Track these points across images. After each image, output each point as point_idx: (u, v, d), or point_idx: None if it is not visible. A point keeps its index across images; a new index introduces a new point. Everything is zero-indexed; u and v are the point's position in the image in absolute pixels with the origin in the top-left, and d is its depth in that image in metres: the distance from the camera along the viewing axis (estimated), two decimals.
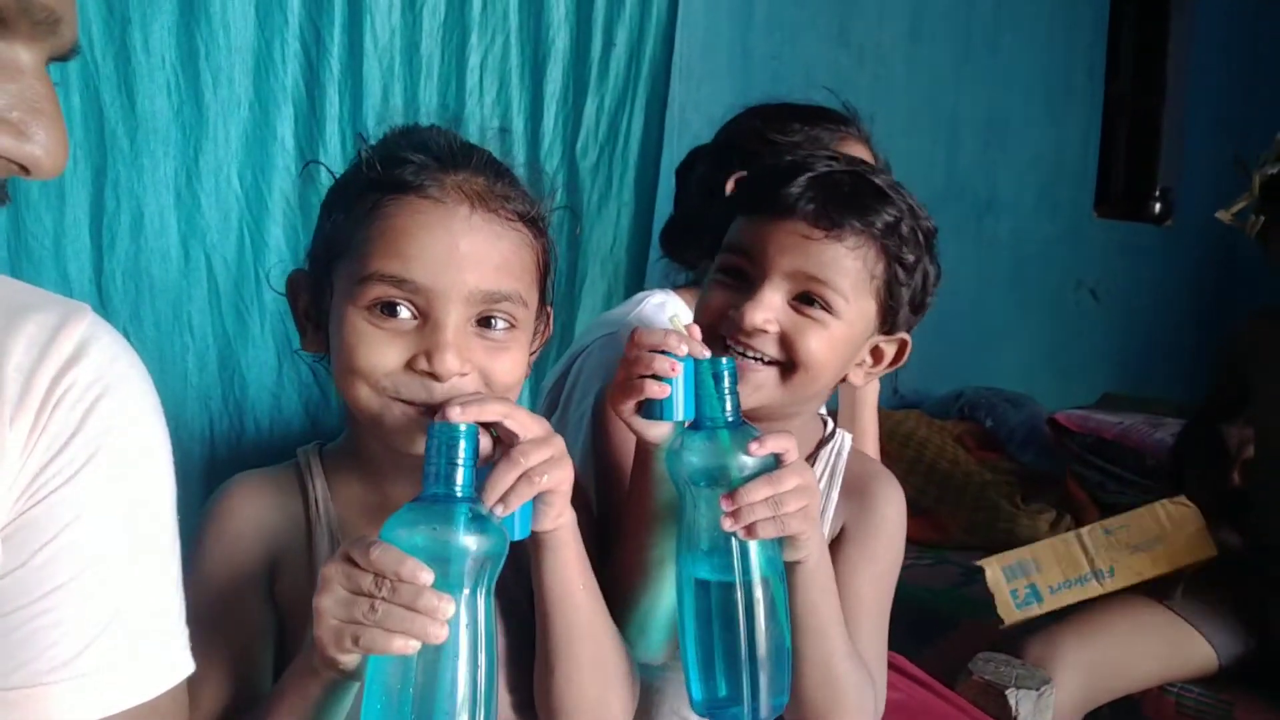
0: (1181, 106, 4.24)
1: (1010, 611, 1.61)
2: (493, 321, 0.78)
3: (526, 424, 0.73)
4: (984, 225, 3.29)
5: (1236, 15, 4.35)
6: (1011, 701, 1.31)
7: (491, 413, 0.71)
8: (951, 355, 2.95)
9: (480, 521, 0.68)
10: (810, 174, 0.88)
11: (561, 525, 0.77)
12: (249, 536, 0.83)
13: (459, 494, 0.68)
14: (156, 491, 0.64)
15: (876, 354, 0.97)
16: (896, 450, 2.38)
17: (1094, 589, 1.61)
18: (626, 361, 0.81)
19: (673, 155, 1.91)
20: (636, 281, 1.81)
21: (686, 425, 0.81)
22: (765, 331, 0.87)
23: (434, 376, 0.75)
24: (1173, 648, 1.61)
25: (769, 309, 0.87)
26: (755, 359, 0.89)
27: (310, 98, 1.36)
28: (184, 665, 0.64)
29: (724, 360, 0.79)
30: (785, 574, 0.82)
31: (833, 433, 1.03)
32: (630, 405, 0.81)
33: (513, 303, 0.79)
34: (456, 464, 0.68)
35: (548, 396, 1.29)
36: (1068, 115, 3.65)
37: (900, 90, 2.91)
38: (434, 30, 1.52)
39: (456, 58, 1.56)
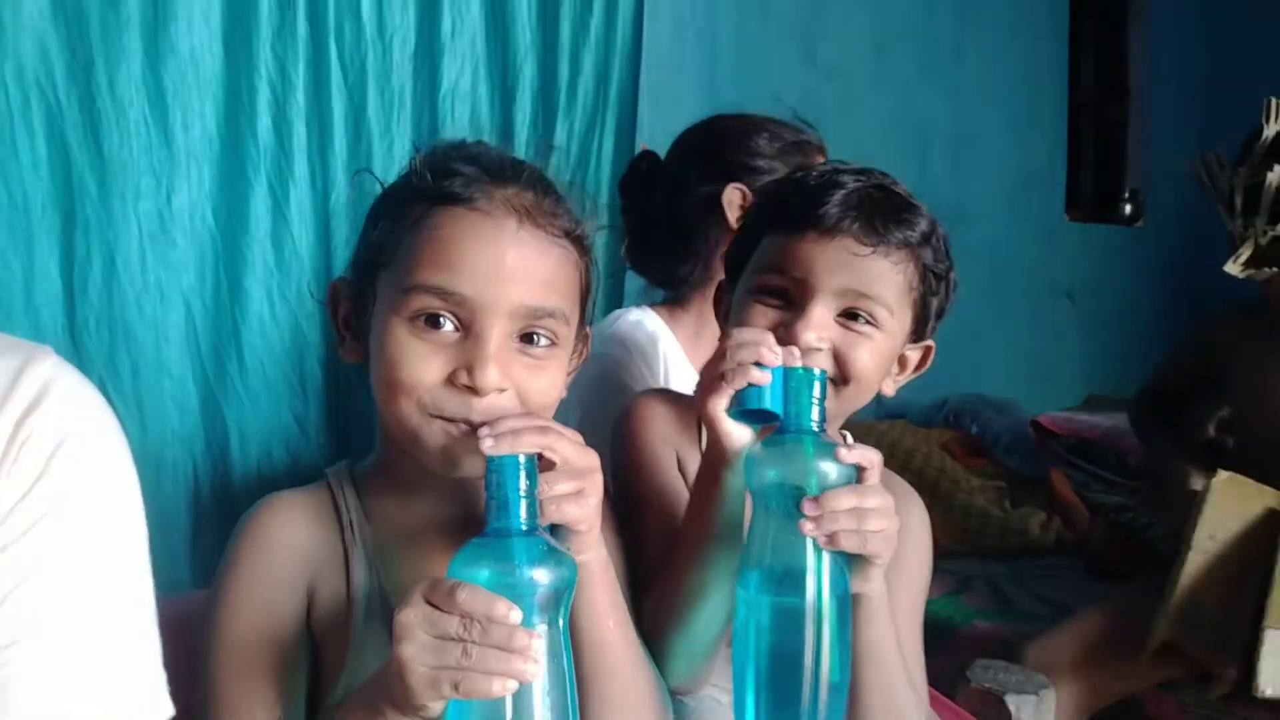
0: (1147, 110, 4.31)
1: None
2: (535, 338, 0.78)
3: (566, 454, 0.72)
4: (957, 235, 3.28)
5: (1198, 19, 4.43)
6: (1012, 708, 1.30)
7: (527, 444, 0.70)
8: (934, 364, 2.96)
9: (551, 552, 0.68)
10: (844, 190, 0.89)
11: (586, 561, 0.75)
12: (284, 562, 0.81)
13: (524, 526, 0.67)
14: (126, 535, 0.63)
15: (902, 361, 0.97)
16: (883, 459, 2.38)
17: None
18: (718, 358, 0.81)
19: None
20: (614, 303, 1.80)
21: (764, 434, 0.81)
22: (819, 349, 0.87)
23: (473, 391, 0.74)
24: (1171, 646, 1.60)
25: (821, 326, 0.87)
26: None
27: (278, 133, 1.36)
28: (161, 711, 0.63)
29: (816, 370, 0.79)
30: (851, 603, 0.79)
31: (852, 447, 1.02)
32: (723, 401, 0.80)
33: (556, 319, 0.78)
34: (519, 495, 0.67)
35: None
36: (1034, 122, 3.69)
37: (867, 106, 2.94)
38: (404, 62, 1.53)
39: (427, 88, 1.57)
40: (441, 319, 0.75)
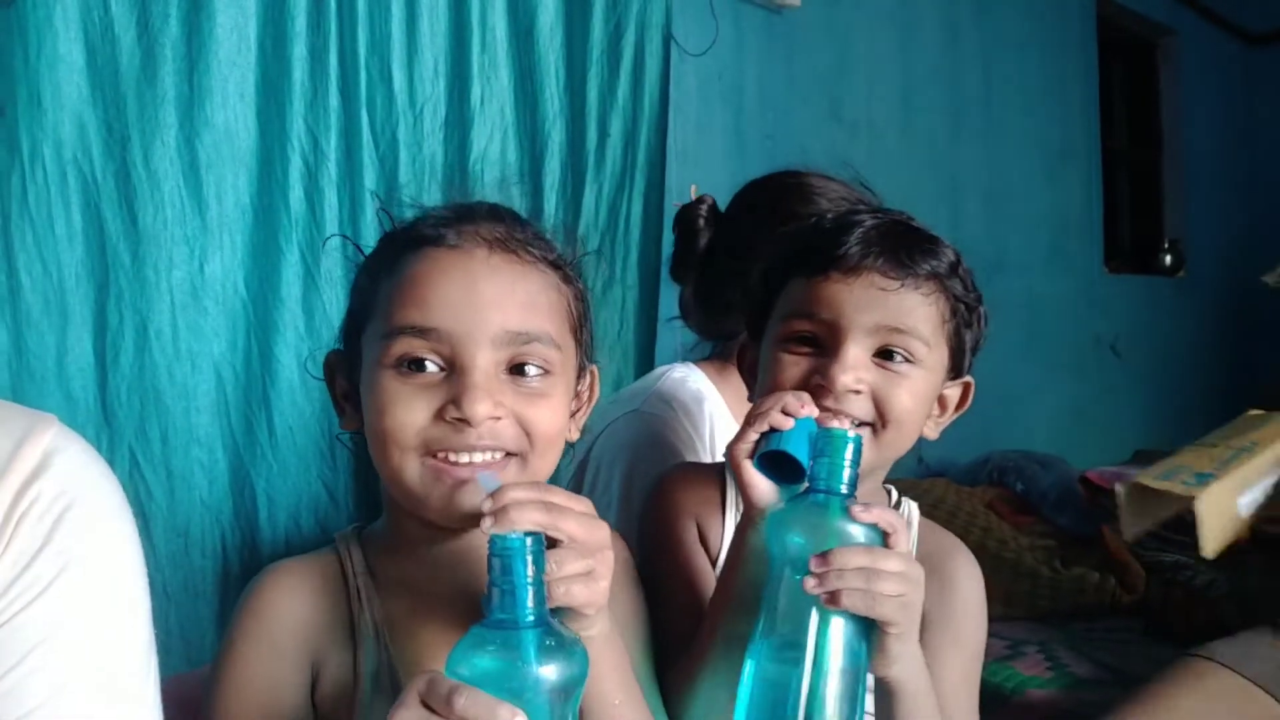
0: (1181, 159, 4.27)
1: (1190, 489, 1.37)
2: (526, 369, 0.74)
3: (574, 534, 0.67)
4: (995, 286, 3.24)
5: (1227, 67, 4.41)
6: None
7: (530, 521, 0.64)
8: (974, 420, 2.88)
9: (561, 646, 0.62)
10: (863, 227, 0.86)
11: (591, 636, 0.70)
12: (287, 638, 0.77)
13: (531, 617, 0.61)
14: (129, 606, 0.61)
15: (942, 401, 0.93)
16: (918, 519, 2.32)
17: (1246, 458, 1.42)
18: (750, 412, 0.80)
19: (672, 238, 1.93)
20: (646, 364, 1.79)
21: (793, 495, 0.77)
22: (857, 392, 0.83)
23: (465, 422, 0.70)
24: (1245, 717, 1.51)
25: (857, 367, 0.83)
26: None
27: (310, 202, 1.38)
28: None
29: (852, 433, 0.75)
30: (867, 681, 0.74)
31: (898, 502, 0.97)
32: (745, 446, 0.78)
33: (544, 345, 0.74)
34: (526, 583, 0.61)
35: (571, 481, 1.25)
36: (1067, 172, 3.67)
37: (897, 160, 2.93)
38: (435, 130, 1.55)
39: (458, 155, 1.59)
40: (426, 362, 0.72)
